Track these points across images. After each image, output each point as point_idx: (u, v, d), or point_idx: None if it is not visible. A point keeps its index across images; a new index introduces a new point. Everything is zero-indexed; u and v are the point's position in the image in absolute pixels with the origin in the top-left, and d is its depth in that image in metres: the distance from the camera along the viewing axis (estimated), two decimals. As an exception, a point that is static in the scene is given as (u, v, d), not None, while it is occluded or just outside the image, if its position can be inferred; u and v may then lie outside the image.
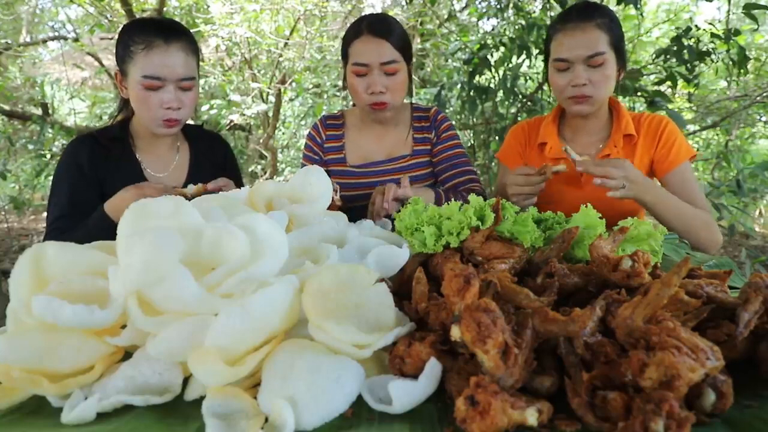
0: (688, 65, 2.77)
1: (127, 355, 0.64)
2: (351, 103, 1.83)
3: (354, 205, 1.67)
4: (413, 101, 1.79)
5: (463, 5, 4.81)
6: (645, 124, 1.56)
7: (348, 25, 1.66)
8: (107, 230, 1.23)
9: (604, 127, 1.60)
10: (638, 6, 2.72)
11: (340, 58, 1.67)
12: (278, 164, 5.90)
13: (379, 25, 1.52)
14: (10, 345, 0.58)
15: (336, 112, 1.83)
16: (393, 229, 1.03)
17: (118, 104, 1.58)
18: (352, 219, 1.02)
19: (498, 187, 1.78)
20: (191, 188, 1.33)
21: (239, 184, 1.55)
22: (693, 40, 2.74)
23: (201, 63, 1.55)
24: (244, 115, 4.86)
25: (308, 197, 0.93)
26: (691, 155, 1.53)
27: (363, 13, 5.07)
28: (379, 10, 5.41)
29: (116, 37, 1.41)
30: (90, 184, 1.44)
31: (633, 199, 1.32)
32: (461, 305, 0.56)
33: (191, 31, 1.50)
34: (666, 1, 5.46)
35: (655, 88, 2.90)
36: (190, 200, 1.28)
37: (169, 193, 1.21)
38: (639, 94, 2.90)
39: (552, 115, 1.68)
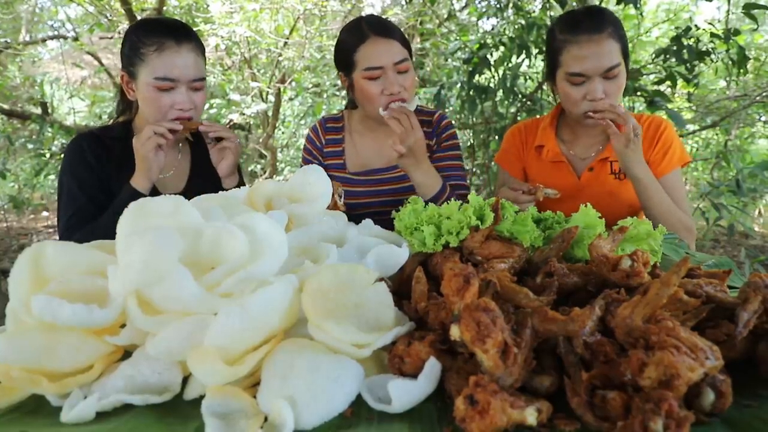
0: (688, 65, 2.77)
1: (127, 354, 0.64)
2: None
3: (353, 212, 1.65)
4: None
5: (463, 5, 4.80)
6: (644, 125, 1.55)
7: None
8: None
9: (603, 129, 1.59)
10: (638, 6, 2.72)
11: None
12: (278, 164, 5.91)
13: (382, 26, 1.47)
14: (9, 344, 0.58)
15: (336, 113, 1.77)
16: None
17: (117, 105, 1.56)
18: None
19: (497, 189, 1.77)
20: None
21: (239, 183, 1.55)
22: (692, 39, 2.74)
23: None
24: (243, 114, 4.86)
25: (308, 197, 0.93)
26: (684, 162, 1.54)
27: (363, 13, 5.07)
28: (378, 10, 5.41)
29: (117, 36, 1.41)
30: (98, 177, 1.41)
31: (626, 168, 1.39)
32: (461, 305, 0.56)
33: (190, 30, 1.49)
34: (666, 0, 5.47)
35: (655, 87, 2.90)
36: (182, 131, 1.36)
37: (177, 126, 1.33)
38: (639, 93, 2.90)
39: (549, 117, 1.66)
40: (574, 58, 1.41)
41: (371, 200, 1.65)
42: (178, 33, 1.35)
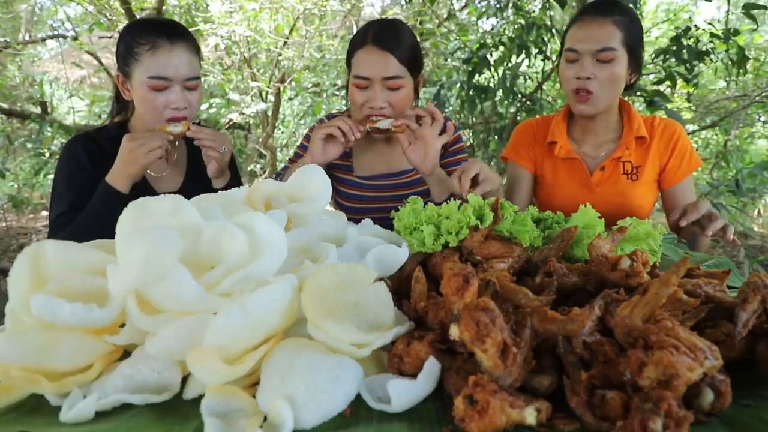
0: (688, 65, 2.77)
1: (126, 353, 0.64)
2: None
3: (359, 216, 1.64)
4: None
5: (463, 4, 4.80)
6: (659, 129, 1.56)
7: (347, 24, 1.63)
8: (115, 204, 1.23)
9: (614, 128, 1.59)
10: (637, 6, 2.73)
11: (338, 57, 1.62)
12: (277, 163, 5.90)
13: (386, 36, 1.40)
14: (8, 344, 0.58)
15: (342, 111, 1.73)
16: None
17: (112, 106, 1.56)
18: None
19: (509, 184, 1.77)
20: (178, 127, 1.35)
21: (237, 183, 1.55)
22: (692, 39, 2.74)
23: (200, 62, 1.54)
24: (243, 114, 4.86)
25: (307, 196, 0.93)
26: (696, 166, 1.57)
27: (362, 12, 5.07)
28: (378, 10, 5.40)
29: (116, 35, 1.40)
30: (90, 179, 1.40)
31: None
32: (460, 304, 0.56)
33: (190, 30, 1.50)
34: (665, 1, 5.47)
35: (655, 87, 2.90)
36: (175, 138, 1.36)
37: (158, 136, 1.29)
38: (638, 93, 2.91)
39: (562, 113, 1.66)
40: (573, 35, 1.48)
41: (377, 206, 1.62)
42: (172, 32, 1.36)
